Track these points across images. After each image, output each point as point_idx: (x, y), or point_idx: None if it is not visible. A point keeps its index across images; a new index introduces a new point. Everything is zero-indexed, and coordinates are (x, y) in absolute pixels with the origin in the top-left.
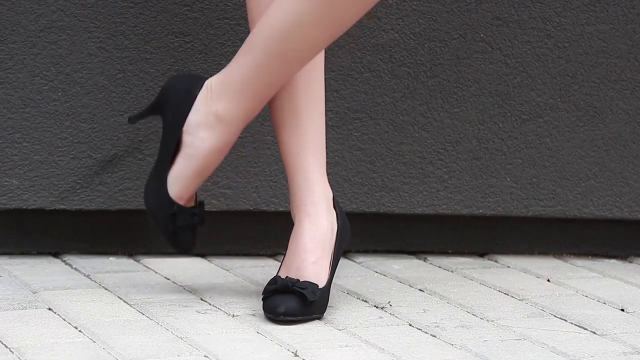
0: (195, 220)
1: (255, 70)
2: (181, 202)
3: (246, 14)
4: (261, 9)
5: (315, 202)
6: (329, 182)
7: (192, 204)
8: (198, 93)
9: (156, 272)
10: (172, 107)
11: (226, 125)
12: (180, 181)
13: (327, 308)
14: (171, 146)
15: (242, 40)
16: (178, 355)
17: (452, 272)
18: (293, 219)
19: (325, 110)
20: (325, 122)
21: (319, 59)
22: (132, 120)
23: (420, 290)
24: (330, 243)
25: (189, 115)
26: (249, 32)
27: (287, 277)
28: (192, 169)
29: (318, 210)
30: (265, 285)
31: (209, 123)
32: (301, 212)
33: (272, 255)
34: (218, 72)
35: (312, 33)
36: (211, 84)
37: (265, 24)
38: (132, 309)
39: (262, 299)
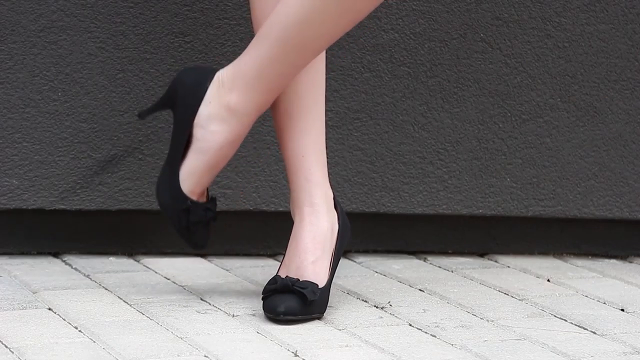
0: (209, 216)
1: (270, 61)
2: (194, 197)
3: (247, 14)
4: (267, 11)
5: (316, 202)
6: (330, 182)
7: (205, 199)
8: (209, 85)
9: (156, 272)
10: (183, 101)
11: (239, 117)
12: (192, 176)
13: (327, 308)
14: (182, 140)
15: (242, 40)
16: (178, 355)
17: (452, 272)
18: (293, 218)
19: (325, 110)
20: (325, 122)
21: (321, 62)
22: (142, 115)
23: (420, 290)
24: (330, 243)
25: (199, 108)
26: (249, 32)
27: (287, 276)
28: (204, 163)
29: (318, 210)
30: (265, 285)
31: (221, 115)
32: (302, 212)
33: (272, 255)
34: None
35: (331, 20)
36: (222, 76)
37: (282, 13)
38: (132, 309)
39: (262, 299)
